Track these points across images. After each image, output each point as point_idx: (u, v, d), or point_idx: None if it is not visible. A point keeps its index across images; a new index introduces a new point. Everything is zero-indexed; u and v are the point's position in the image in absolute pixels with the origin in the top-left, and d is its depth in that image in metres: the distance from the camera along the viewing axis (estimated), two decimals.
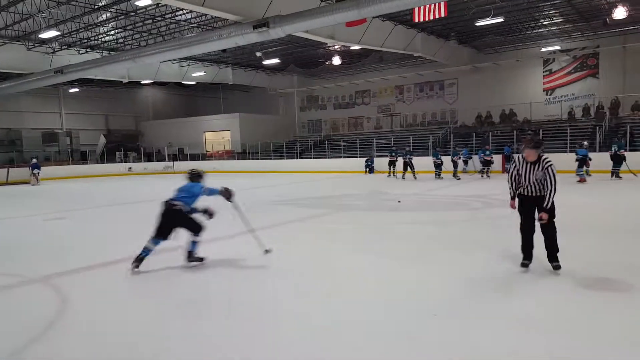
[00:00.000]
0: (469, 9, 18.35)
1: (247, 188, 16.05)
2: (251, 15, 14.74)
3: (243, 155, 31.93)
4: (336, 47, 23.50)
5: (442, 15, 15.58)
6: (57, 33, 19.96)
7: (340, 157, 26.43)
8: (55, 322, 4.08)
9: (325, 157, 27.22)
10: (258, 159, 30.30)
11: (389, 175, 20.21)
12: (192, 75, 29.17)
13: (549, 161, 4.81)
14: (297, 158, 29.04)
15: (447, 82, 29.31)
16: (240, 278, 5.34)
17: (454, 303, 4.23)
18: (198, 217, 5.81)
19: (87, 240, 8.05)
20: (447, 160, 18.80)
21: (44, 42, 21.61)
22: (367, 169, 23.38)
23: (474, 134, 23.94)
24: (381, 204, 11.74)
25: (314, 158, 27.89)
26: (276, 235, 7.93)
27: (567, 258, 5.00)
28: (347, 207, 11.41)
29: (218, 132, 35.16)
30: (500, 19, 18.77)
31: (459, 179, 17.91)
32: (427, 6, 15.39)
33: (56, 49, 22.83)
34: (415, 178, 18.55)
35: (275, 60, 26.86)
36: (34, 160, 23.52)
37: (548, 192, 4.75)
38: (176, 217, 5.58)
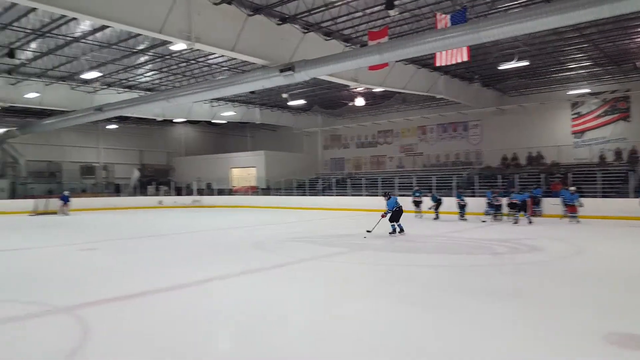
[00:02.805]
0: (492, 54, 18.74)
1: (267, 224, 16.34)
2: (278, 59, 15.50)
3: (266, 191, 32.53)
4: (359, 89, 24.16)
5: (464, 59, 15.91)
6: (99, 74, 21.46)
7: (361, 195, 26.60)
8: (75, 353, 4.23)
9: (347, 195, 27.44)
10: (281, 195, 30.77)
11: (416, 216, 19.98)
12: (222, 114, 30.45)
13: None
14: (319, 195, 29.37)
15: (471, 123, 29.44)
16: (241, 322, 5.29)
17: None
18: None
19: (113, 272, 8.38)
20: (472, 202, 18.55)
21: (86, 82, 23.19)
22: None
23: (500, 176, 23.76)
24: (399, 245, 11.72)
25: (336, 195, 28.15)
26: (286, 274, 8.05)
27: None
28: (365, 246, 11.43)
29: (244, 168, 36.07)
30: (525, 63, 18.82)
31: (484, 221, 17.52)
32: (449, 51, 15.82)
33: (97, 89, 24.44)
34: (438, 218, 18.48)
35: (301, 101, 27.77)
36: (65, 193, 24.69)
37: None
38: None
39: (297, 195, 30.06)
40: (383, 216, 13.32)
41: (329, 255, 9.95)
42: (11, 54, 17.48)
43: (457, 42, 12.57)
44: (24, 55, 19.09)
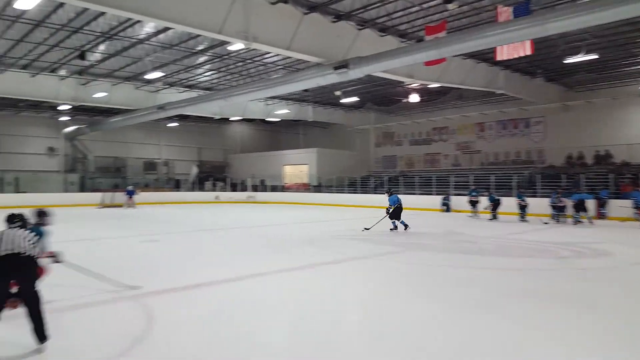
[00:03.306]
0: (557, 47, 17.73)
1: (317, 220, 16.44)
2: (332, 57, 15.50)
3: (318, 188, 32.70)
4: (414, 85, 23.68)
5: (527, 53, 15.18)
6: (161, 74, 22.47)
7: (414, 193, 26.10)
8: (141, 339, 4.48)
9: (400, 193, 26.95)
10: (332, 192, 30.82)
11: (471, 216, 19.35)
12: (276, 112, 30.97)
13: None
14: (371, 193, 29.14)
15: (533, 120, 28.01)
16: (289, 315, 5.40)
17: None
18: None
19: (174, 263, 8.77)
20: (534, 202, 17.69)
21: (149, 82, 24.39)
22: (444, 207, 22.82)
23: (564, 176, 22.47)
24: (455, 246, 11.40)
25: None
26: (338, 271, 8.04)
27: None
28: (418, 246, 11.24)
29: (296, 165, 36.49)
30: (593, 56, 17.67)
31: (547, 223, 16.60)
32: (511, 44, 15.12)
33: (159, 89, 25.67)
34: (495, 218, 17.79)
35: (354, 99, 27.64)
36: (129, 187, 26.09)
37: None
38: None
39: (349, 192, 30.03)
40: (388, 212, 13.79)
41: (382, 254, 9.86)
42: (82, 56, 18.68)
43: (520, 35, 12.03)
44: (93, 57, 20.34)
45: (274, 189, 34.58)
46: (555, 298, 6.05)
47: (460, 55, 18.47)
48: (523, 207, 17.56)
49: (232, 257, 9.25)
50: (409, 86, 24.18)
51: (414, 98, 25.89)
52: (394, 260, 9.22)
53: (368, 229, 13.68)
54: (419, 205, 23.61)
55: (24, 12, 14.40)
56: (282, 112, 31.05)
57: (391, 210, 13.69)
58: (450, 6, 13.69)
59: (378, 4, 14.47)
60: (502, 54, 15.55)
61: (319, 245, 10.96)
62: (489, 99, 27.56)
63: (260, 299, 6.01)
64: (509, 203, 18.23)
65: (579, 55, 17.22)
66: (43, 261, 4.94)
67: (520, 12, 13.20)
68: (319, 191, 31.96)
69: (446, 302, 5.86)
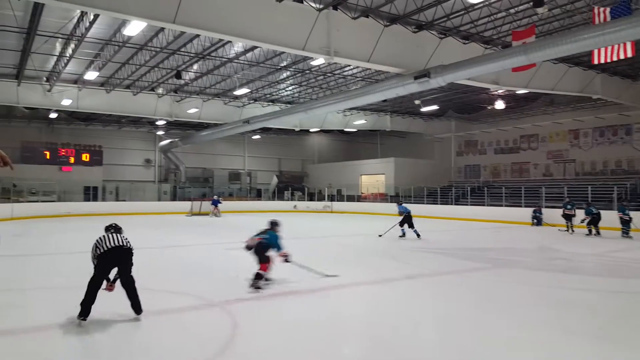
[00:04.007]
0: None
1: (397, 232, 16.21)
2: (412, 66, 15.40)
3: (396, 198, 32.22)
4: (500, 91, 22.69)
5: (628, 55, 13.97)
6: (247, 90, 23.77)
7: (501, 205, 24.81)
8: (228, 346, 4.68)
9: (484, 205, 25.84)
10: (411, 202, 30.19)
11: (567, 231, 17.99)
12: (354, 123, 31.26)
13: None
14: (452, 204, 28.19)
15: (636, 126, 25.49)
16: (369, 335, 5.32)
17: None
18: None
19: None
20: (638, 216, 16.09)
21: (237, 97, 25.87)
22: (534, 221, 21.44)
23: None
24: (550, 263, 10.66)
25: (470, 205, 26.70)
26: (419, 286, 7.82)
27: None
28: (508, 262, 10.66)
29: (373, 175, 36.37)
30: None
31: None
32: (609, 47, 14.01)
33: (245, 104, 27.13)
34: (597, 234, 16.36)
35: (434, 107, 27.07)
36: (215, 197, 27.63)
37: None
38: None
39: (428, 203, 29.25)
40: (400, 222, 14.85)
41: (467, 270, 9.46)
42: (178, 75, 20.32)
43: (619, 37, 11.22)
44: (188, 76, 22.05)
45: (350, 198, 34.74)
46: None
47: (551, 59, 17.42)
48: (626, 222, 15.98)
49: (314, 268, 9.47)
50: (494, 93, 23.22)
51: (499, 105, 24.84)
52: (481, 277, 8.79)
53: (381, 236, 15.05)
54: (505, 218, 22.45)
55: (129, 37, 16.02)
56: (360, 122, 31.26)
57: (401, 218, 14.89)
58: (539, 10, 13.00)
59: (462, 12, 14.15)
60: (600, 57, 14.45)
61: (400, 259, 10.81)
62: (584, 104, 25.61)
63: (341, 311, 6.09)
64: (609, 217, 16.72)
65: None
66: (277, 259, 7.19)
67: (620, 12, 12.29)
68: (397, 201, 31.42)
69: (546, 327, 5.46)
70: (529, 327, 5.43)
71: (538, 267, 10.18)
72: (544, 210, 21.57)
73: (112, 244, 5.32)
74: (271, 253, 7.08)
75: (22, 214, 21.83)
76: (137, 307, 5.39)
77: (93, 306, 5.11)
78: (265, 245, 7.02)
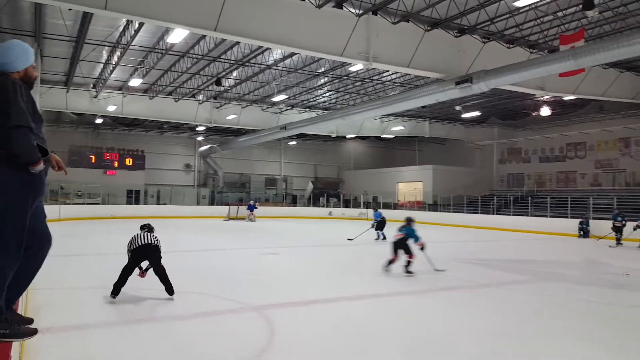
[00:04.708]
0: None
1: (435, 241, 15.77)
2: (454, 71, 15.03)
3: (434, 207, 31.56)
4: (545, 97, 21.83)
5: None
6: (285, 97, 23.95)
7: (546, 216, 23.77)
8: (266, 350, 4.61)
9: (528, 215, 24.80)
10: (450, 211, 29.48)
11: (615, 244, 16.93)
12: (392, 129, 30.87)
13: None
14: (493, 214, 27.25)
15: None
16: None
17: None
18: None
19: (293, 276, 9.10)
20: None
21: (274, 104, 26.11)
22: (581, 232, 20.39)
23: None
24: (602, 278, 10.02)
25: (513, 215, 25.70)
26: (457, 298, 7.49)
27: None
28: (554, 276, 10.09)
29: (410, 182, 35.77)
30: None
31: None
32: None
33: (283, 110, 27.34)
34: None
35: (475, 113, 26.37)
36: (251, 202, 27.90)
37: None
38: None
39: (468, 212, 28.42)
40: (372, 226, 16.16)
41: (509, 283, 9.05)
42: (218, 82, 20.71)
43: None
44: (227, 82, 22.45)
45: (386, 206, 34.18)
46: None
47: (601, 64, 16.58)
48: None
49: (346, 275, 9.32)
50: (540, 99, 22.37)
51: (545, 111, 23.95)
52: (524, 290, 8.36)
53: (351, 240, 15.64)
54: (550, 229, 21.49)
55: (172, 45, 16.46)
56: (398, 128, 30.84)
57: (375, 224, 16.12)
58: (589, 13, 12.38)
59: (507, 16, 13.71)
60: None
61: (431, 271, 10.44)
62: (637, 111, 24.24)
63: (378, 321, 5.91)
64: None
65: None
66: (415, 248, 9.05)
67: None
68: (435, 210, 30.82)
69: (605, 345, 5.09)
70: (581, 344, 5.05)
71: (586, 281, 9.65)
72: (590, 221, 20.49)
73: (143, 242, 6.29)
74: (410, 243, 8.92)
75: (68, 215, 22.77)
76: (169, 290, 6.35)
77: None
78: (405, 239, 8.91)
